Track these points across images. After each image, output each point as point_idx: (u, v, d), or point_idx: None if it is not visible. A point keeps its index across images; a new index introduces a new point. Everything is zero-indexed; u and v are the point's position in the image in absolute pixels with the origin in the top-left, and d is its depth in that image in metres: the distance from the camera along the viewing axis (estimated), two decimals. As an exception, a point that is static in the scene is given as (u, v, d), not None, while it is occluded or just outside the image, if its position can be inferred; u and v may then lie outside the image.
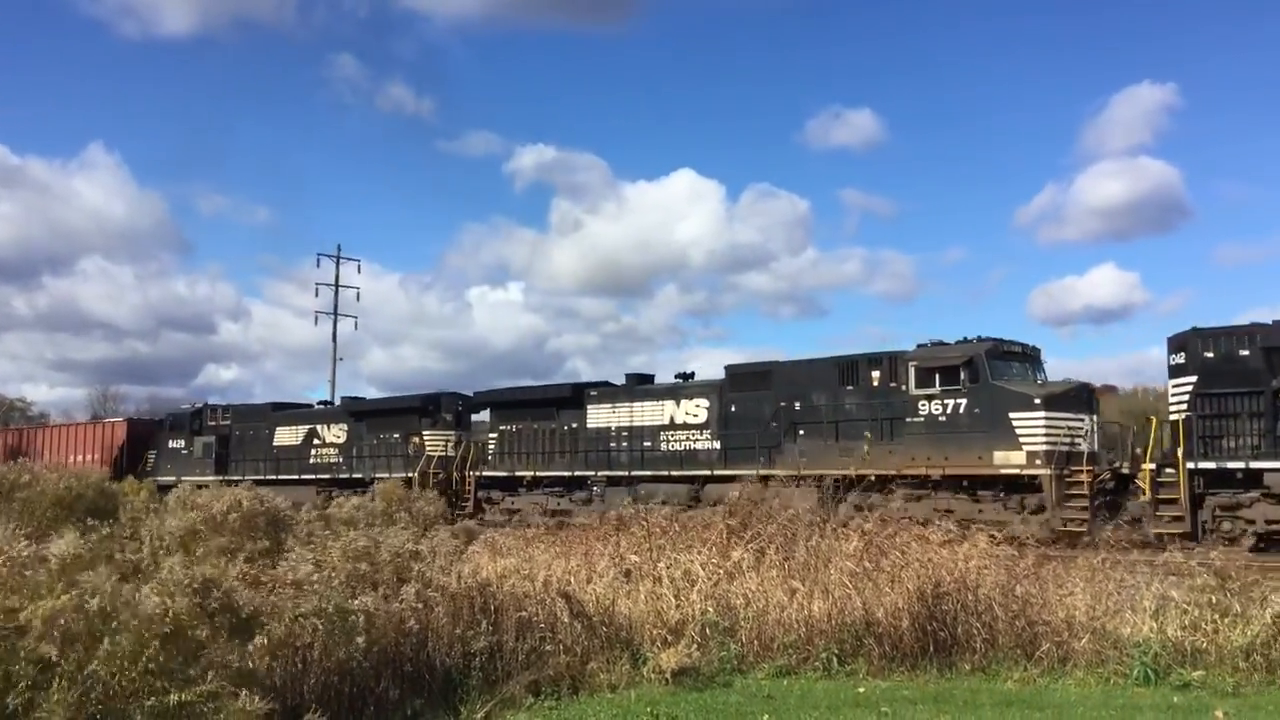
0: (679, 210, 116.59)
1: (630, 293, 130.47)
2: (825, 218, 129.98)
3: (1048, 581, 10.14)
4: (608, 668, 8.92)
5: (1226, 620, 9.15)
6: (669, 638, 9.34)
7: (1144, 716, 7.67)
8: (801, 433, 23.99)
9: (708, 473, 24.99)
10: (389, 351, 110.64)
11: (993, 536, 10.62)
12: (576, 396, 28.76)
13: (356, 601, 7.84)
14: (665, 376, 29.99)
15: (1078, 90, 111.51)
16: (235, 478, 34.30)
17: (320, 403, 37.23)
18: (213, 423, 38.32)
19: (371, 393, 40.19)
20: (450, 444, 32.13)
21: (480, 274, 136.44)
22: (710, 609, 9.75)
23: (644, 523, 11.38)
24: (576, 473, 28.10)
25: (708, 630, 9.47)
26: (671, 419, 26.68)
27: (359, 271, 55.59)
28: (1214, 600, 9.36)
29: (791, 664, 9.24)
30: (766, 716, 7.77)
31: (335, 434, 34.62)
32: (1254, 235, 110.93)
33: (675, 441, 26.50)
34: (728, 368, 26.17)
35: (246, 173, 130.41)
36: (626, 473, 26.83)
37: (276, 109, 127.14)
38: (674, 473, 25.77)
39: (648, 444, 26.90)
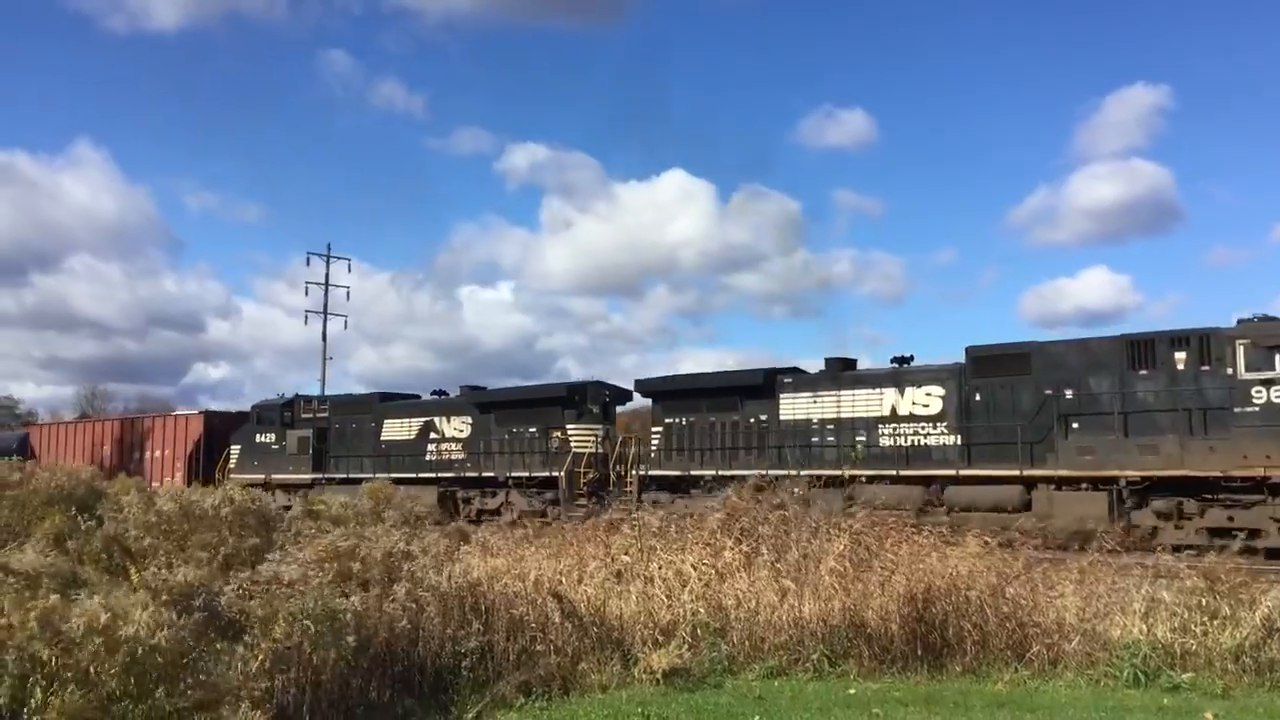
0: (670, 210, 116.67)
1: (621, 293, 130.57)
2: (817, 218, 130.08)
3: (1038, 584, 10.17)
4: (599, 668, 8.93)
5: (1216, 623, 9.19)
6: (660, 638, 9.35)
7: (1134, 718, 7.70)
8: (1075, 426, 20.43)
9: (951, 473, 21.48)
10: (379, 350, 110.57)
11: (985, 541, 10.63)
12: (768, 384, 24.97)
13: (346, 601, 7.83)
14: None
15: (1071, 91, 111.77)
16: (336, 475, 31.94)
17: (434, 392, 33.31)
18: (307, 415, 34.33)
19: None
20: (599, 439, 28.30)
21: (471, 273, 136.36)
22: (701, 609, 9.75)
23: (635, 524, 11.38)
24: (771, 472, 23.45)
25: (699, 631, 9.48)
26: (893, 409, 23.07)
27: (349, 270, 55.49)
28: (1203, 603, 9.41)
29: (782, 665, 9.25)
30: (757, 717, 7.78)
31: (457, 428, 30.63)
32: (1244, 238, 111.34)
33: (899, 436, 22.90)
34: (970, 350, 22.34)
35: (236, 169, 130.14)
36: (840, 472, 22.82)
37: (266, 105, 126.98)
38: (903, 472, 22.17)
39: (861, 438, 23.37)
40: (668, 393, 27.19)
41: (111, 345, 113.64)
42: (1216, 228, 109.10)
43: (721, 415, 25.71)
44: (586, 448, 27.91)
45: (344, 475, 31.40)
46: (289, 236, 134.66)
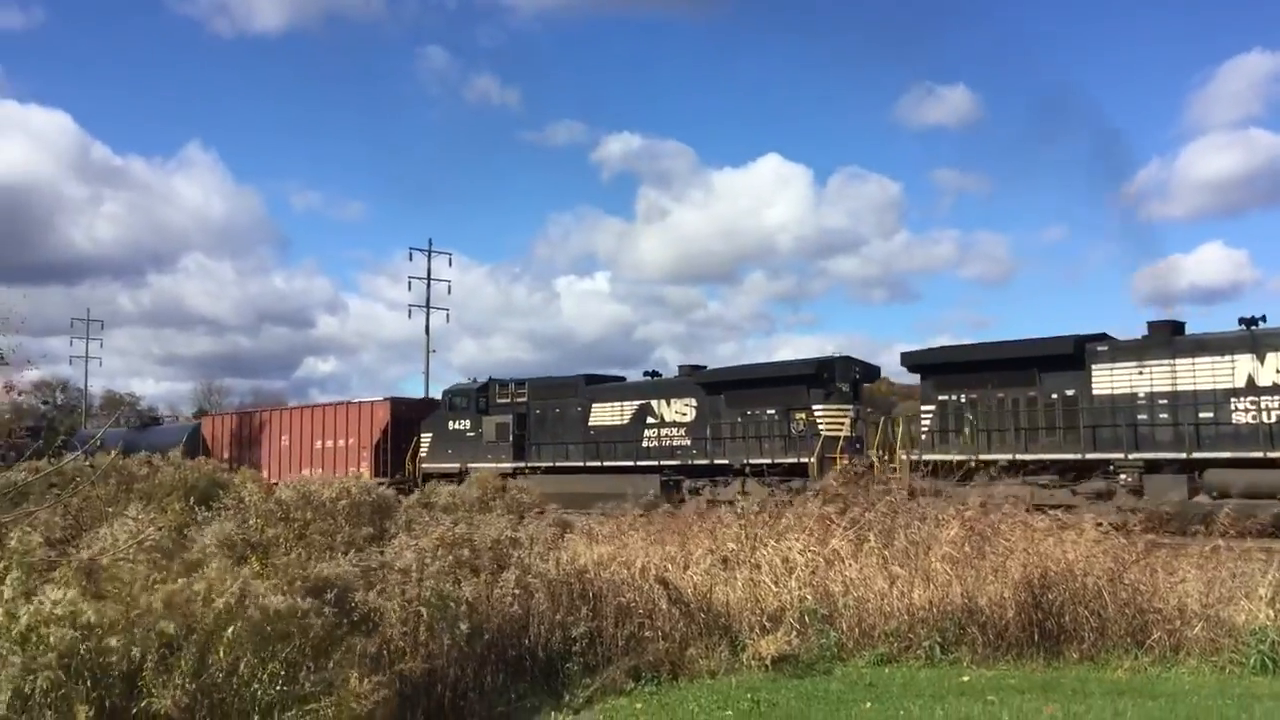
0: (766, 196, 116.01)
1: (717, 280, 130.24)
2: (917, 199, 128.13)
3: (1158, 569, 9.87)
4: (707, 654, 8.96)
5: (1348, 608, 8.81)
6: (767, 625, 9.34)
7: (1263, 705, 7.42)
8: None
9: None
10: (479, 342, 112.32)
11: (1100, 524, 10.37)
12: (1077, 353, 21.45)
13: (459, 589, 7.99)
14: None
15: (1182, 61, 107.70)
16: (540, 464, 29.89)
17: (647, 373, 30.41)
18: (504, 400, 31.90)
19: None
20: (850, 421, 25.25)
21: (567, 264, 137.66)
22: (809, 596, 9.71)
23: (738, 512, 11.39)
24: (1087, 455, 20.84)
25: (806, 618, 9.44)
26: (1250, 379, 19.45)
27: (450, 264, 56.44)
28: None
29: (893, 652, 9.16)
30: (869, 704, 7.71)
31: (678, 411, 27.84)
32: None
33: (1262, 411, 19.22)
34: None
35: (338, 167, 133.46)
36: (1184, 455, 19.66)
37: (366, 103, 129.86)
38: (1271, 454, 18.62)
39: (1207, 415, 19.91)
40: (942, 366, 23.66)
41: (225, 341, 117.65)
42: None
43: (1013, 390, 22.26)
44: (838, 430, 24.86)
45: (549, 464, 29.48)
46: (390, 232, 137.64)
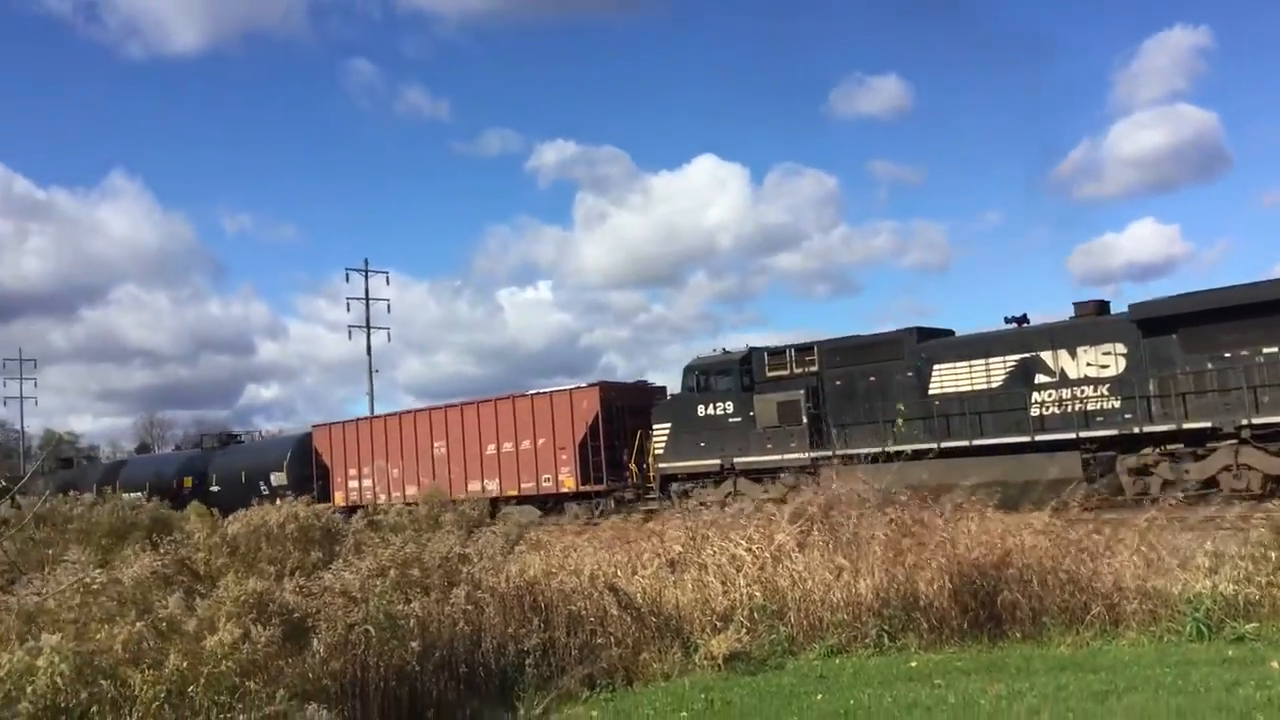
0: (704, 197, 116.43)
1: (660, 283, 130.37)
2: (854, 192, 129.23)
3: (1096, 546, 10.10)
4: (660, 657, 9.02)
5: (1280, 573, 9.09)
6: (718, 624, 9.41)
7: (1199, 671, 7.64)
8: None
9: None
10: (424, 359, 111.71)
11: (1033, 506, 10.58)
12: None
13: (407, 607, 7.99)
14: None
15: (1108, 39, 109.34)
16: (855, 450, 21.59)
17: (1009, 319, 22.26)
18: (778, 371, 24.41)
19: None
20: None
21: (508, 275, 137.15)
22: (757, 593, 9.81)
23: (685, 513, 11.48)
24: None
25: (756, 615, 9.53)
26: None
27: (388, 283, 56.07)
28: (1269, 554, 9.29)
29: (842, 643, 9.29)
30: (820, 695, 7.82)
31: (1092, 362, 20.20)
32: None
33: None
34: None
35: (268, 188, 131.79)
36: None
37: (293, 121, 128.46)
38: None
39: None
40: None
41: (164, 373, 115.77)
42: (1267, 168, 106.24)
43: None
44: None
45: (873, 449, 21.52)
46: (326, 252, 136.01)
